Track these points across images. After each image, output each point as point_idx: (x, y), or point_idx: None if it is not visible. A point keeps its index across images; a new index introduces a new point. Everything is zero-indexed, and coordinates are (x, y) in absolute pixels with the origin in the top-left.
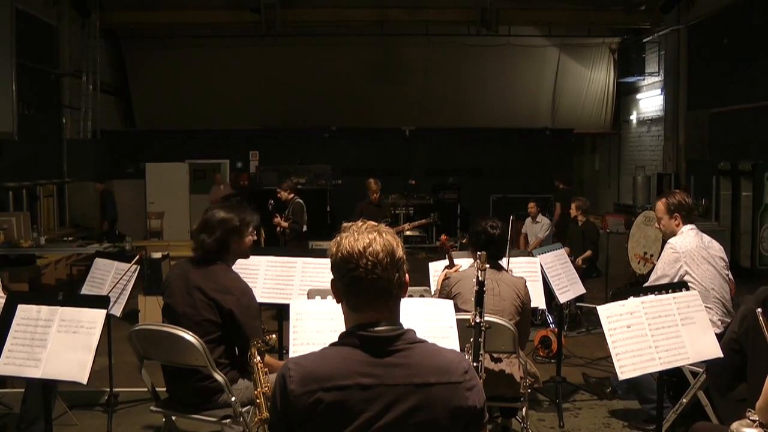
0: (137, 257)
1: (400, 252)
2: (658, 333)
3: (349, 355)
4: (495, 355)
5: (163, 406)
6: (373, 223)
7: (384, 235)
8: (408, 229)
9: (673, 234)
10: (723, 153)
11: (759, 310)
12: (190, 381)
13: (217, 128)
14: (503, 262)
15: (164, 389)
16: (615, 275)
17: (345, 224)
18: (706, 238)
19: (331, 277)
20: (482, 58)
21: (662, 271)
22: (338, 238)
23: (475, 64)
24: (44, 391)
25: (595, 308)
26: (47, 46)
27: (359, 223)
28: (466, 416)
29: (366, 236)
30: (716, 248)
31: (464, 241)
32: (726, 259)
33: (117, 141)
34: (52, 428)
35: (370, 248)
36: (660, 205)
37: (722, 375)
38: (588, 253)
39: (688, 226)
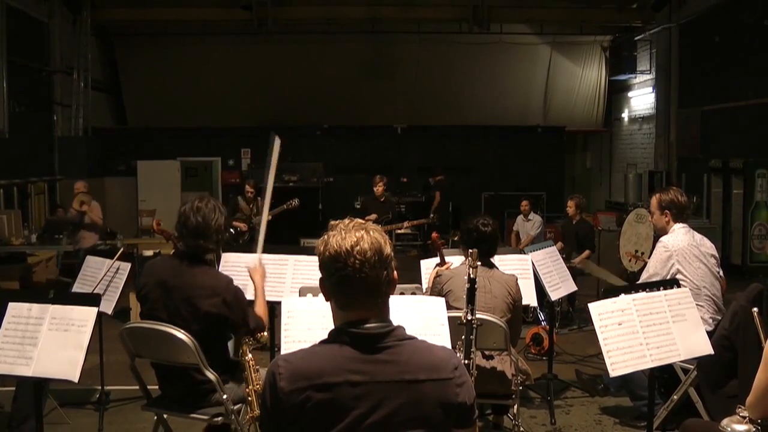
0: (121, 250)
1: (387, 249)
2: (649, 330)
3: (339, 353)
4: (486, 353)
5: (154, 404)
6: (360, 220)
7: (371, 233)
8: (407, 227)
9: (664, 231)
10: (714, 150)
11: (755, 309)
12: (182, 379)
13: (209, 126)
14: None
15: (155, 387)
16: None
17: (332, 222)
18: (698, 236)
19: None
20: (474, 55)
21: (654, 269)
22: (326, 236)
23: (466, 62)
24: (35, 389)
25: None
26: (38, 43)
27: (346, 221)
28: (456, 413)
29: (353, 234)
30: (708, 246)
31: (455, 238)
32: (717, 256)
33: (108, 138)
34: (43, 427)
35: (358, 247)
36: (653, 200)
37: (713, 371)
38: (587, 253)
39: (680, 225)
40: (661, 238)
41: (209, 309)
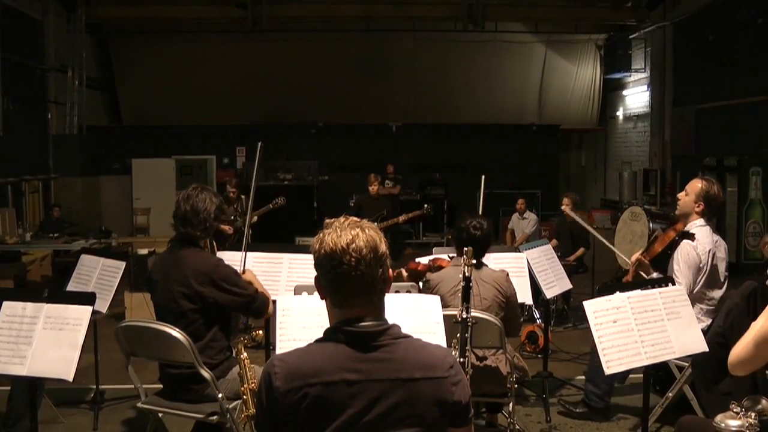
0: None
1: (383, 247)
2: (644, 328)
3: (335, 351)
4: (482, 351)
5: (150, 403)
6: (355, 218)
7: (367, 230)
8: (402, 221)
9: (687, 216)
10: (708, 148)
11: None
12: (183, 366)
13: (204, 124)
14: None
15: (150, 386)
16: (601, 270)
17: (327, 220)
18: (716, 237)
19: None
20: (469, 54)
21: (687, 278)
22: (321, 234)
23: (461, 60)
24: (30, 388)
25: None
26: (32, 40)
27: (341, 219)
28: (451, 411)
29: (349, 232)
30: (723, 250)
31: (449, 237)
32: (727, 260)
33: (103, 137)
34: (38, 426)
35: (354, 244)
36: (697, 185)
37: (708, 369)
38: (581, 251)
39: (702, 222)
40: (695, 242)
41: (200, 289)
